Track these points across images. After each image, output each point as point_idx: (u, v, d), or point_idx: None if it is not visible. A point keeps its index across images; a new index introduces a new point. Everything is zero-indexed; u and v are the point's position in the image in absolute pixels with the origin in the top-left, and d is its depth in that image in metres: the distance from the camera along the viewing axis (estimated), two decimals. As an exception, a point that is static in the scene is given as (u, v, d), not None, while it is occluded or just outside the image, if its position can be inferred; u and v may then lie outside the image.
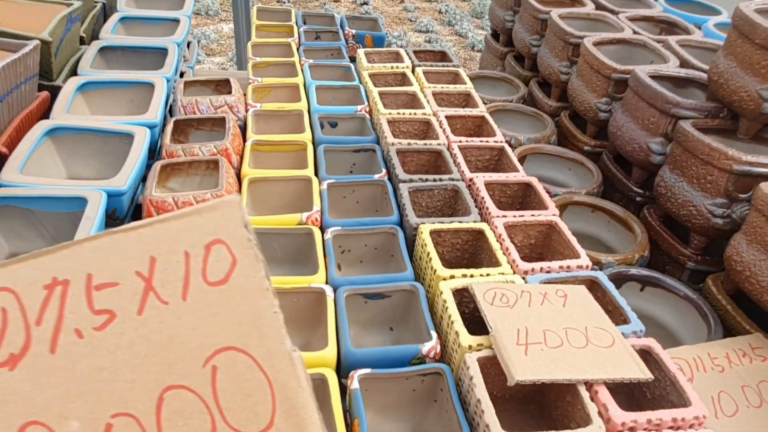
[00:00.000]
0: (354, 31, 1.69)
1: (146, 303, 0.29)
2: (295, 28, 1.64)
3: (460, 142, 1.12)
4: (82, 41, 1.33)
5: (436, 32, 5.06)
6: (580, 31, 1.41)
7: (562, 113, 1.45)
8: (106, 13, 1.52)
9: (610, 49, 1.35)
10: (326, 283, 0.81)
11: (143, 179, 1.05)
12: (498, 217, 0.91)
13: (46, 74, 1.13)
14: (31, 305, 0.28)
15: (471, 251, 0.93)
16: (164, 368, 0.28)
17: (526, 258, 0.93)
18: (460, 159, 1.06)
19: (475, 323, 0.80)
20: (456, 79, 1.42)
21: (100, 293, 0.28)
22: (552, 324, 0.70)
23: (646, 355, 0.71)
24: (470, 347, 0.69)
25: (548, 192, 1.00)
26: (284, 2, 5.13)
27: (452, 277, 0.80)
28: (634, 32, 1.42)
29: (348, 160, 1.14)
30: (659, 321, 0.95)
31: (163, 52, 1.32)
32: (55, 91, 1.13)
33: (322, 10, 5.21)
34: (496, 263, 0.84)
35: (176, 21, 1.46)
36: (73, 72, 1.21)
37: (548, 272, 0.82)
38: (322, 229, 0.91)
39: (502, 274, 0.81)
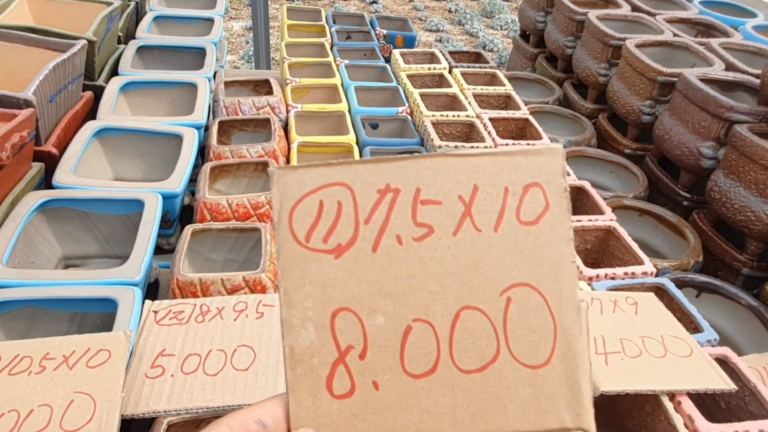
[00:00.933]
0: (385, 31, 1.67)
1: (462, 226, 0.31)
2: (327, 28, 1.62)
3: (506, 145, 1.11)
4: (119, 40, 1.32)
5: (446, 31, 5.05)
6: (618, 33, 1.39)
7: (600, 115, 1.43)
8: (138, 11, 1.51)
9: (651, 51, 1.34)
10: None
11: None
12: (556, 221, 0.90)
13: (89, 74, 1.12)
14: (364, 204, 0.31)
15: (527, 256, 0.92)
16: (466, 288, 0.31)
17: (583, 263, 0.92)
18: (509, 162, 1.05)
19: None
20: (493, 80, 1.41)
21: (424, 207, 0.31)
22: (627, 333, 0.69)
23: (722, 364, 0.70)
24: (545, 356, 0.68)
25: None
26: (293, 1, 5.12)
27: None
28: (675, 34, 1.40)
29: (392, 162, 1.12)
30: (717, 328, 0.93)
31: (200, 51, 1.31)
32: (96, 91, 1.12)
33: (333, 8, 5.20)
34: (558, 269, 0.82)
35: (210, 20, 1.45)
36: (113, 71, 1.20)
37: (613, 278, 0.81)
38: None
39: (568, 280, 0.79)
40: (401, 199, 0.31)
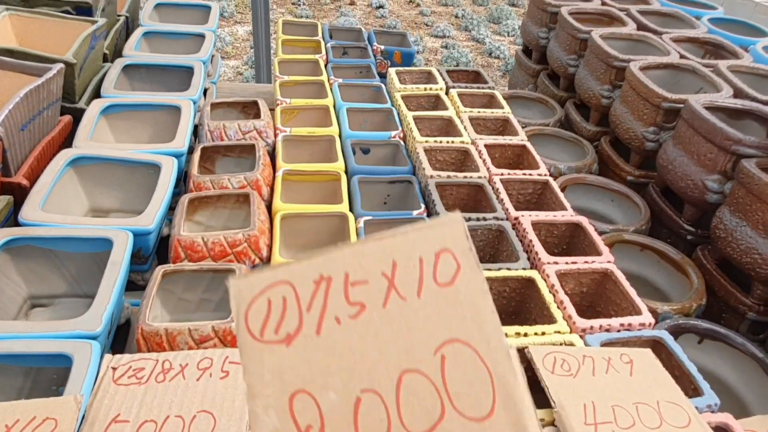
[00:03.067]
0: (383, 47, 1.63)
1: (389, 298, 0.34)
2: (322, 43, 1.58)
3: (502, 174, 1.06)
4: (105, 58, 1.28)
5: (452, 37, 5.00)
6: (623, 53, 1.34)
7: (603, 139, 1.38)
8: (128, 27, 1.47)
9: (656, 73, 1.28)
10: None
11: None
12: (549, 264, 0.85)
13: (68, 96, 1.08)
14: (304, 295, 0.34)
15: (518, 299, 0.87)
16: (403, 353, 0.33)
17: (577, 307, 0.87)
18: (504, 195, 1.00)
19: (528, 384, 0.74)
20: (491, 101, 1.36)
21: (354, 288, 0.35)
22: (620, 398, 0.64)
23: (722, 432, 0.65)
24: (531, 422, 0.63)
25: (595, 229, 0.94)
26: (300, 4, 5.09)
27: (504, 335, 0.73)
28: (681, 56, 1.35)
29: (382, 191, 1.08)
30: (719, 378, 0.88)
31: (188, 70, 1.27)
32: (77, 114, 1.08)
33: (338, 14, 5.16)
34: (549, 318, 0.78)
35: (201, 36, 1.41)
36: (96, 92, 1.16)
37: (608, 330, 0.76)
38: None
39: (559, 332, 0.74)
40: (334, 285, 0.35)
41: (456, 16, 5.53)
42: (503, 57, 4.66)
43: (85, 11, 1.25)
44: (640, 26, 1.52)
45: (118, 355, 0.65)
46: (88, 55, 1.13)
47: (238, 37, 4.71)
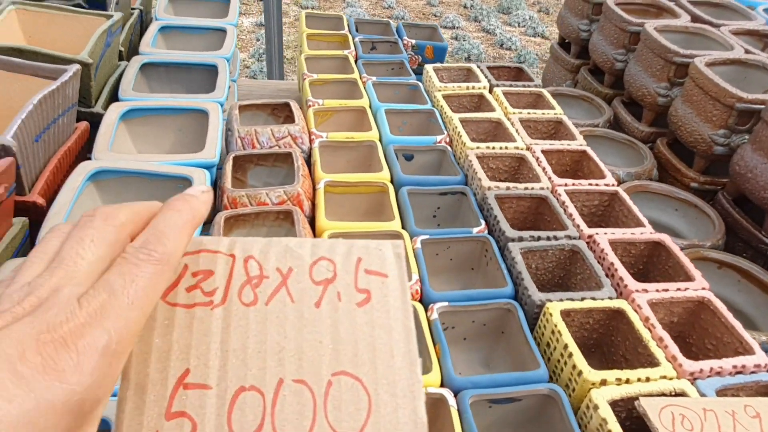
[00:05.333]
0: (414, 41, 1.52)
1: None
2: (350, 38, 1.47)
3: (566, 185, 0.95)
4: (120, 56, 1.17)
5: (462, 29, 4.89)
6: (680, 47, 1.23)
7: (659, 141, 1.28)
8: (143, 21, 1.36)
9: (721, 70, 1.18)
10: (442, 384, 0.65)
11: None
12: (638, 292, 0.75)
13: (84, 100, 0.98)
14: None
15: (601, 332, 0.77)
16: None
17: (667, 340, 0.77)
18: (572, 209, 0.90)
19: (627, 435, 0.64)
20: (538, 101, 1.25)
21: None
22: (758, 464, 0.54)
23: None
24: (653, 494, 0.53)
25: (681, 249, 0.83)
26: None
27: (603, 381, 0.63)
28: (746, 50, 1.24)
29: (432, 204, 0.97)
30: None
31: (210, 68, 1.16)
32: (93, 119, 0.97)
33: (345, 4, 5.03)
34: (648, 359, 0.68)
35: (222, 31, 1.30)
36: (113, 94, 1.05)
37: (719, 374, 0.66)
38: (423, 302, 0.75)
39: (665, 378, 0.64)
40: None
41: (465, 6, 5.39)
42: (515, 48, 4.54)
43: (98, 5, 1.14)
44: (693, 17, 1.41)
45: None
46: (103, 54, 1.02)
47: (243, 29, 4.59)
